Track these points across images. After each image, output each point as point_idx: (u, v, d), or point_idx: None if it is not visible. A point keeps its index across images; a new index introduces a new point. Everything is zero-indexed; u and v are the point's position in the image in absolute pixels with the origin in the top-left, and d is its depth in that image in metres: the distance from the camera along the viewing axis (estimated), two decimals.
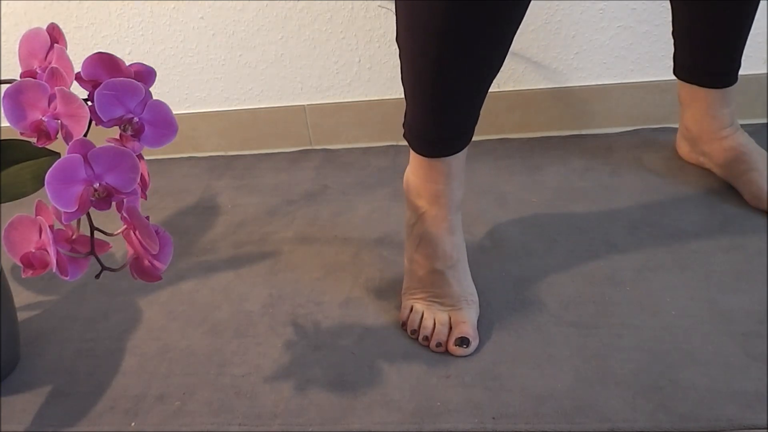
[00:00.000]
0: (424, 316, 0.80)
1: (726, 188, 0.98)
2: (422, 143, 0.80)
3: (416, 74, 0.74)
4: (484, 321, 0.81)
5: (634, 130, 1.19)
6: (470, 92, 0.75)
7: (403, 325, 0.82)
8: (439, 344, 0.78)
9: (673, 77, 1.17)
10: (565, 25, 1.15)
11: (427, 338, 0.79)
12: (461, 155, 0.81)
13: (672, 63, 1.03)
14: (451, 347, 0.77)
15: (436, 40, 0.68)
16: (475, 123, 0.80)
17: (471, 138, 0.81)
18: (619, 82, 1.18)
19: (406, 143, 0.85)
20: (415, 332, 0.80)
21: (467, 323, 0.79)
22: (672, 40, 1.02)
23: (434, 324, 0.79)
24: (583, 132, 1.22)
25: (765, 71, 1.12)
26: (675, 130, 1.15)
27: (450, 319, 0.79)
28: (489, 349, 0.77)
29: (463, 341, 0.77)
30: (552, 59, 1.17)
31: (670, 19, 1.13)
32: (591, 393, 0.70)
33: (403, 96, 0.82)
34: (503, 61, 0.74)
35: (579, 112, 1.20)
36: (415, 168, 0.84)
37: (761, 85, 1.12)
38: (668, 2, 1.10)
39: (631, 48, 1.15)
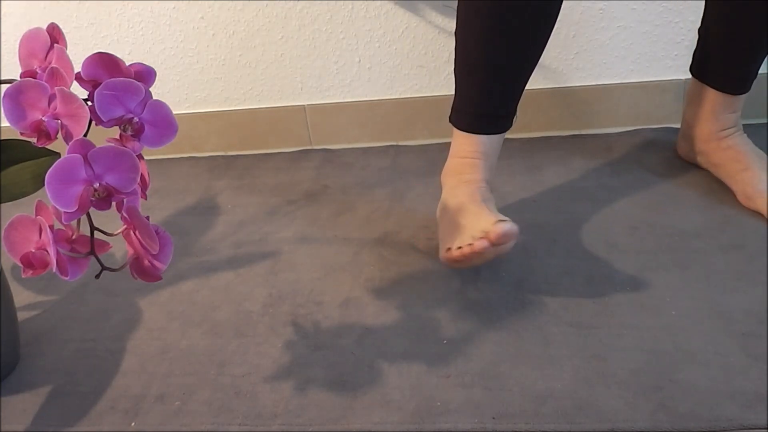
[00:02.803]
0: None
1: (726, 188, 0.98)
2: (465, 119, 0.91)
3: (465, 55, 0.88)
4: (484, 321, 0.81)
5: (634, 130, 1.19)
6: (505, 74, 0.87)
7: (452, 259, 0.83)
8: (483, 234, 0.78)
9: (673, 77, 1.17)
10: (565, 25, 1.15)
11: (470, 242, 0.79)
12: (495, 144, 0.92)
13: (669, 62, 1.03)
14: (493, 228, 0.77)
15: (482, 24, 0.83)
16: (510, 113, 0.91)
17: (506, 126, 0.92)
18: (619, 82, 1.18)
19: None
20: (459, 248, 0.81)
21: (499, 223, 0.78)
22: (672, 41, 1.03)
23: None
24: (584, 132, 1.22)
25: (765, 71, 1.12)
26: (675, 130, 1.15)
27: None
28: (489, 349, 0.77)
29: (503, 221, 0.77)
30: (552, 59, 1.17)
31: (674, 19, 1.13)
32: (591, 393, 0.70)
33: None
34: (540, 49, 0.87)
35: (579, 112, 1.21)
36: (453, 149, 0.94)
37: (761, 85, 1.13)
38: (668, 2, 1.10)
39: (631, 48, 1.15)
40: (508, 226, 0.77)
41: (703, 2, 0.96)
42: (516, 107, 0.91)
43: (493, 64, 0.86)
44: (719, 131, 0.98)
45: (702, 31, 0.98)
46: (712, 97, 0.97)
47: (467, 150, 0.91)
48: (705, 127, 1.00)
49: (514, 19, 0.82)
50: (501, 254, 0.81)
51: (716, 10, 0.93)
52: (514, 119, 0.92)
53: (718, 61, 0.95)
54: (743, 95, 0.97)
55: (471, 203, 0.86)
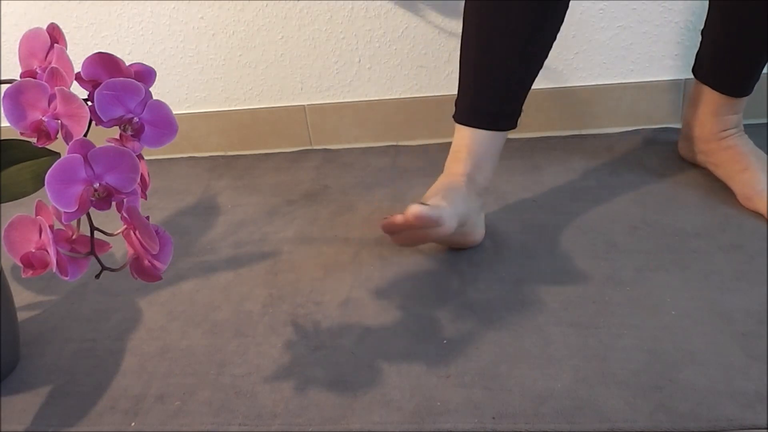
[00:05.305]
0: None
1: (726, 188, 0.98)
2: (457, 110, 0.92)
3: (462, 47, 0.89)
4: (484, 321, 0.81)
5: (635, 130, 1.19)
6: (496, 72, 0.88)
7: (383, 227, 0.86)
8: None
9: (674, 77, 1.17)
10: (565, 25, 1.14)
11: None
12: (484, 140, 0.90)
13: (669, 62, 1.03)
14: (408, 209, 0.81)
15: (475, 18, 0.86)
16: (503, 111, 0.90)
17: (497, 125, 0.90)
18: (619, 82, 1.18)
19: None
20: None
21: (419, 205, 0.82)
22: (672, 41, 1.02)
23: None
24: (584, 132, 1.22)
25: (765, 71, 1.12)
26: (675, 130, 1.16)
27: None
28: (489, 349, 0.77)
29: (419, 204, 0.80)
30: (552, 59, 1.17)
31: (674, 19, 1.13)
32: (591, 393, 0.70)
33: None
34: (543, 53, 0.89)
35: (579, 112, 1.21)
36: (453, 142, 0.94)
37: (761, 85, 1.13)
38: (668, 2, 1.10)
39: (631, 48, 1.15)
40: (419, 209, 0.80)
41: (707, 3, 0.96)
42: (514, 108, 0.90)
43: (481, 59, 0.87)
44: (720, 132, 0.98)
45: (704, 32, 0.98)
46: (714, 98, 0.97)
47: (456, 143, 0.92)
48: (706, 127, 1.00)
49: (506, 16, 0.83)
50: (436, 239, 0.86)
51: (718, 12, 0.93)
52: (517, 121, 0.91)
53: (720, 64, 0.95)
54: (745, 97, 0.97)
55: (431, 192, 0.88)
